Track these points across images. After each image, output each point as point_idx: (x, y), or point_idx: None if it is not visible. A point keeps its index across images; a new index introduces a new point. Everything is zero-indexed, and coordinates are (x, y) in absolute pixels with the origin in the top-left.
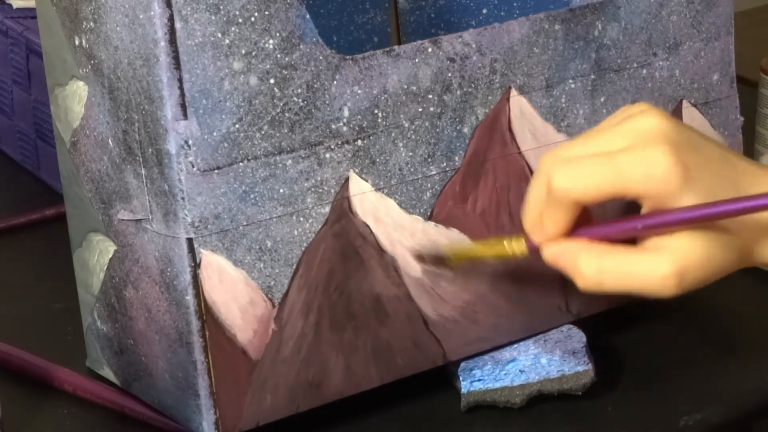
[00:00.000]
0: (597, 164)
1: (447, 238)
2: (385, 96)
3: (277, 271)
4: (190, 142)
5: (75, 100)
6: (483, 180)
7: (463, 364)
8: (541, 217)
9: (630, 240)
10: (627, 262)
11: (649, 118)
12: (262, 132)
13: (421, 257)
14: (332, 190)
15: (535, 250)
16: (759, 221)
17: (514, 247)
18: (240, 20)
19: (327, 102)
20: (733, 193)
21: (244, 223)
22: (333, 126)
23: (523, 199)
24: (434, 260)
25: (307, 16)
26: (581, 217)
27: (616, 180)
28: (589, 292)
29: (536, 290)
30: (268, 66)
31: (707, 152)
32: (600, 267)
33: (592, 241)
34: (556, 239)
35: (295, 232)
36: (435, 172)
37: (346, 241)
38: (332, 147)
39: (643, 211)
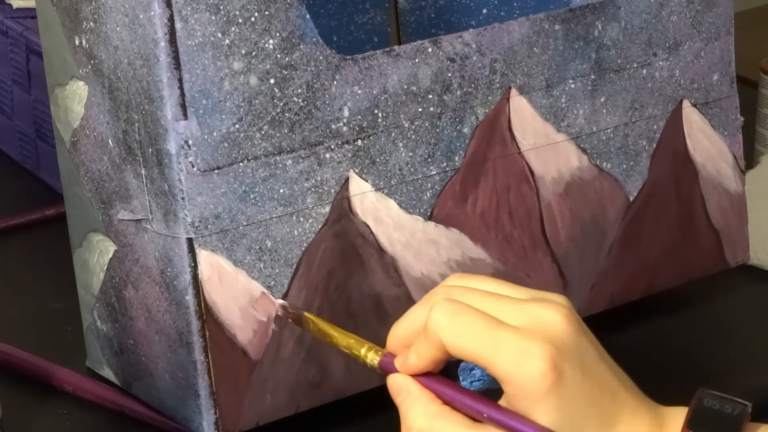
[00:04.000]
0: (479, 325)
1: (447, 239)
2: (385, 96)
3: (277, 271)
4: (190, 142)
5: (75, 100)
6: (483, 180)
7: (463, 364)
8: (408, 341)
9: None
10: None
11: (554, 314)
12: (262, 132)
13: (284, 308)
14: (332, 190)
15: (385, 368)
16: None
17: (372, 357)
18: (240, 20)
19: (327, 102)
20: (599, 426)
21: (244, 223)
22: (333, 126)
23: (523, 200)
24: (294, 318)
25: (307, 16)
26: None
27: (488, 351)
28: None
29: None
30: (268, 66)
31: (596, 375)
32: (428, 429)
33: (437, 398)
34: (410, 371)
35: (295, 232)
36: (435, 172)
37: (346, 241)
38: (332, 147)
39: (504, 396)
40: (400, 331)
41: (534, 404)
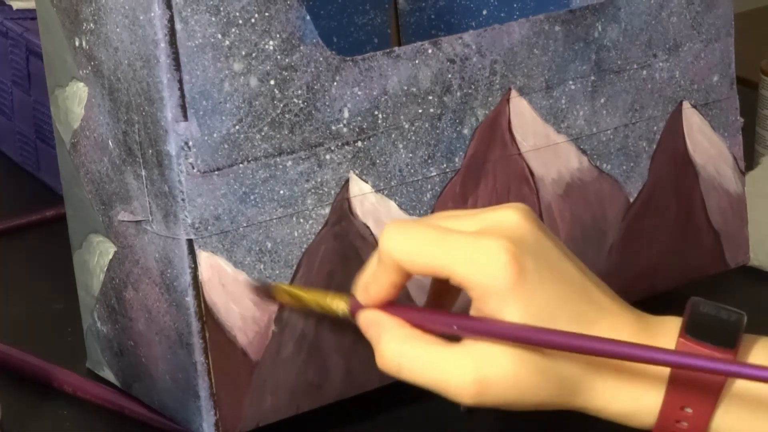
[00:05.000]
0: (429, 235)
1: None
2: (385, 97)
3: (277, 272)
4: (190, 143)
5: (75, 102)
6: (483, 181)
7: None
8: (368, 278)
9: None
10: (430, 357)
11: (510, 213)
12: (263, 133)
13: (252, 286)
14: (332, 192)
15: (353, 311)
16: (591, 362)
17: (338, 304)
18: (240, 21)
19: (327, 103)
20: (571, 324)
21: (244, 225)
22: (333, 127)
23: (523, 201)
24: (262, 292)
25: (307, 17)
26: (437, 298)
27: (443, 257)
28: (388, 374)
29: None
30: (269, 67)
31: (561, 272)
32: (401, 352)
33: (406, 323)
34: (374, 305)
35: (296, 234)
36: (435, 174)
37: (347, 242)
38: (332, 148)
39: (472, 304)
40: (363, 272)
41: (500, 303)
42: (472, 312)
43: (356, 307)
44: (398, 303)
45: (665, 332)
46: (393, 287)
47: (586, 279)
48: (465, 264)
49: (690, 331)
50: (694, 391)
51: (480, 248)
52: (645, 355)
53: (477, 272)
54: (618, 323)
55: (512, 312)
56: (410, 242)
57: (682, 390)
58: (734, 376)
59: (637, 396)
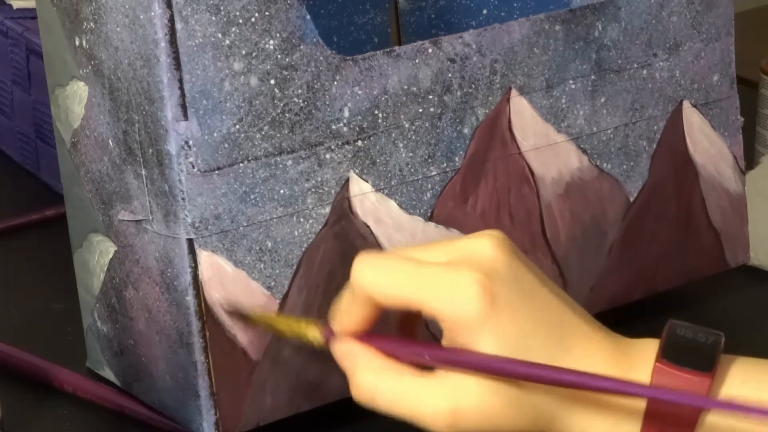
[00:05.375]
0: (401, 267)
1: (441, 236)
2: (386, 96)
3: (277, 271)
4: (191, 142)
5: (75, 101)
6: (483, 181)
7: None
8: (343, 310)
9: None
10: (404, 387)
11: (483, 243)
12: (263, 132)
13: (229, 311)
14: (332, 191)
15: (327, 341)
16: (565, 392)
17: (313, 333)
18: (240, 21)
19: (327, 102)
20: (546, 352)
21: (245, 224)
22: (333, 126)
23: (523, 200)
24: (239, 316)
25: (308, 16)
26: (406, 328)
27: (415, 290)
28: (364, 405)
29: None
30: (269, 66)
31: (535, 300)
32: (375, 383)
33: (380, 353)
34: (349, 336)
35: (296, 233)
36: (435, 173)
37: (347, 241)
38: (332, 147)
39: (444, 335)
40: (338, 301)
41: (472, 335)
42: (444, 342)
43: (330, 336)
44: (372, 333)
45: (642, 356)
46: (365, 320)
47: (562, 304)
48: (436, 296)
49: (667, 354)
50: (670, 422)
51: (451, 280)
52: (618, 388)
53: (449, 304)
54: (594, 348)
55: (485, 343)
56: (381, 275)
57: (658, 421)
58: (706, 408)
59: (613, 427)
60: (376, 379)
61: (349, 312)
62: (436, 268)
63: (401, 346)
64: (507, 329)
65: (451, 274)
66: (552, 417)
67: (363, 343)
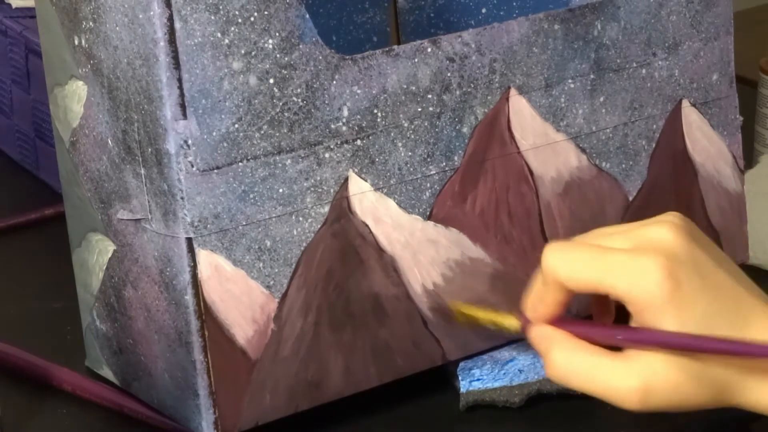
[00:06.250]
0: (588, 254)
1: (446, 239)
2: (385, 96)
3: (276, 270)
4: (190, 141)
5: (74, 100)
6: (482, 180)
7: (462, 364)
8: (535, 297)
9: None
10: (596, 366)
11: (661, 229)
12: (262, 132)
13: (432, 310)
14: (331, 190)
15: (524, 327)
16: (743, 364)
17: (510, 322)
18: (239, 20)
19: (326, 102)
20: (727, 329)
21: (244, 223)
22: (332, 126)
23: (522, 199)
24: (440, 313)
25: (307, 15)
26: (600, 312)
27: (602, 275)
28: (558, 383)
29: None
30: (268, 66)
31: (714, 279)
32: (570, 362)
33: (573, 335)
34: (543, 321)
35: (295, 232)
36: (434, 172)
37: (346, 240)
38: (331, 147)
39: (632, 317)
40: (530, 291)
41: (658, 315)
42: (633, 324)
43: (527, 323)
44: (565, 317)
45: None
46: (558, 305)
47: (738, 284)
48: (623, 281)
49: None
50: None
51: (637, 265)
52: None
53: (635, 288)
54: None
55: (670, 323)
56: (571, 262)
57: None
58: None
59: None
60: (570, 358)
61: (541, 299)
62: (622, 255)
63: (593, 328)
64: (689, 309)
65: (636, 260)
66: (732, 389)
67: (557, 327)
